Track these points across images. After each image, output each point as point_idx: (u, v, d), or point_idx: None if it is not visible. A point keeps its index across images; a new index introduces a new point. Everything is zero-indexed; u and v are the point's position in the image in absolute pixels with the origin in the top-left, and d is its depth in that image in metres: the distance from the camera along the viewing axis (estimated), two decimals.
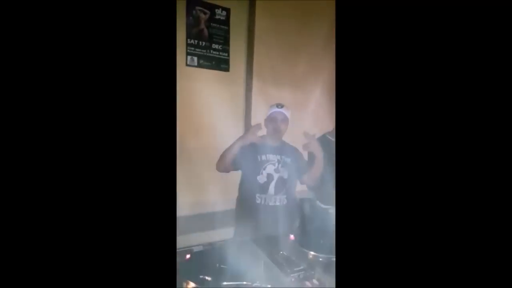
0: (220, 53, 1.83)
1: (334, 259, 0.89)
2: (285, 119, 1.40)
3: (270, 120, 1.39)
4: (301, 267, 0.82)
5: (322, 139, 1.55)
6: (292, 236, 1.06)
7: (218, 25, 1.82)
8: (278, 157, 1.41)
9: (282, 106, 1.40)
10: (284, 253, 0.91)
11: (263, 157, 1.39)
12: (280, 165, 1.40)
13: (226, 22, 1.84)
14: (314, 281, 0.79)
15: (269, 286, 0.70)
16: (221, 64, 1.84)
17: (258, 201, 1.38)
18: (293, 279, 0.77)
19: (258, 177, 1.37)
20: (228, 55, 1.84)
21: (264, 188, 1.37)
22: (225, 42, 1.84)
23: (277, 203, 1.38)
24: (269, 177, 1.38)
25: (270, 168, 1.39)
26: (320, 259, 0.90)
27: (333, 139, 1.54)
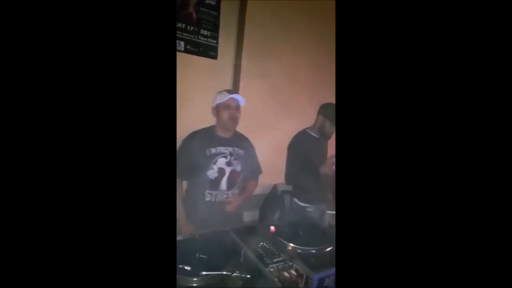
0: (209, 40, 1.77)
1: (313, 251, 0.92)
2: (239, 106, 1.28)
3: (224, 107, 1.26)
4: (280, 258, 0.83)
5: (303, 134, 1.56)
6: (272, 228, 1.07)
7: (207, 10, 1.75)
8: (230, 149, 1.29)
9: (233, 92, 1.28)
10: (264, 244, 0.92)
11: (213, 151, 1.26)
12: (232, 157, 1.29)
13: (216, 7, 1.78)
14: (292, 271, 0.81)
15: (248, 276, 0.71)
16: (209, 51, 1.78)
17: (208, 199, 1.26)
18: (271, 270, 0.79)
19: (208, 173, 1.24)
20: (217, 42, 1.79)
21: (215, 184, 1.26)
22: (214, 28, 1.78)
23: (230, 198, 1.29)
24: (221, 171, 1.26)
25: (221, 162, 1.27)
26: (299, 251, 0.92)
27: (314, 134, 1.56)
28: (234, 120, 1.27)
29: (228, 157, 1.28)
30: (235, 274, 0.71)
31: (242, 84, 1.77)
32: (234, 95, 1.26)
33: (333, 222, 1.42)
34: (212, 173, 1.25)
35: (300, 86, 2.01)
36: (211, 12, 1.77)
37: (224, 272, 0.71)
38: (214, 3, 1.77)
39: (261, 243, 0.93)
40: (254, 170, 1.42)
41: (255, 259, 0.82)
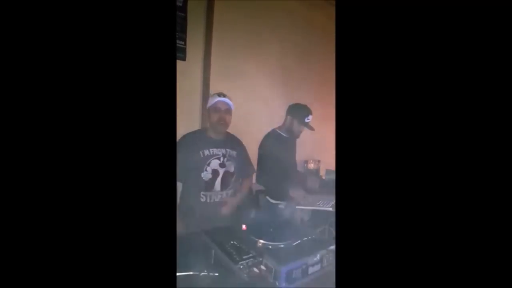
0: (177, 41, 1.75)
1: (281, 245, 0.95)
2: (229, 110, 1.32)
3: (214, 110, 1.29)
4: (250, 255, 0.85)
5: (273, 133, 1.60)
6: (244, 226, 1.08)
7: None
8: (223, 150, 1.32)
9: (224, 95, 1.31)
10: (235, 242, 0.93)
11: (206, 152, 1.29)
12: (225, 159, 1.32)
13: (183, 9, 1.76)
14: (262, 267, 0.83)
15: (217, 274, 0.72)
16: (178, 53, 1.76)
17: (203, 200, 1.28)
18: (241, 266, 0.80)
19: (202, 174, 1.26)
20: (185, 44, 1.77)
21: (209, 185, 1.28)
22: (182, 30, 1.76)
23: (225, 199, 1.32)
24: (214, 173, 1.29)
25: (214, 163, 1.29)
26: (270, 247, 0.95)
27: (283, 134, 1.61)
28: (224, 123, 1.30)
29: (221, 159, 1.31)
30: (203, 273, 0.71)
31: (212, 85, 1.77)
32: (222, 99, 1.28)
33: (306, 217, 1.47)
34: (205, 175, 1.27)
35: (270, 86, 2.05)
36: (178, 13, 1.75)
37: (192, 272, 0.71)
38: (181, 4, 1.75)
39: (232, 242, 0.94)
40: (247, 170, 1.45)
41: (225, 258, 0.83)
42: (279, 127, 1.62)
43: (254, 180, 1.60)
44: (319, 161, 2.45)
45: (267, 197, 1.55)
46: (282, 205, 1.49)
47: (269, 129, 1.64)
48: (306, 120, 1.53)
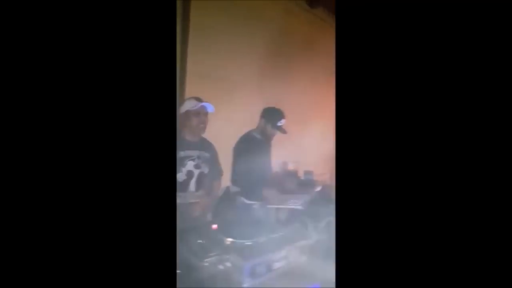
0: None
1: (248, 243, 0.98)
2: (207, 113, 1.36)
3: (194, 114, 1.33)
4: (214, 253, 0.87)
5: (248, 136, 1.64)
6: (215, 226, 1.11)
7: None
8: (198, 152, 1.37)
9: (201, 100, 1.36)
10: (201, 241, 0.95)
11: (182, 154, 1.32)
12: (200, 160, 1.36)
13: None
14: (227, 263, 0.86)
15: (179, 271, 0.74)
16: None
17: (178, 201, 1.24)
18: (206, 264, 0.82)
19: (178, 175, 1.30)
20: None
21: (183, 186, 1.32)
22: None
23: (198, 200, 1.34)
24: (189, 174, 1.33)
25: (190, 165, 1.33)
26: (237, 245, 0.97)
27: (258, 136, 1.65)
28: (204, 126, 1.35)
29: (196, 160, 1.34)
30: None
31: (188, 89, 1.79)
32: (205, 103, 1.33)
33: (282, 216, 1.51)
34: (180, 176, 1.30)
35: (247, 89, 2.09)
36: None
37: None
38: None
39: (198, 241, 0.96)
40: (217, 173, 1.50)
41: (190, 256, 0.85)
42: (254, 130, 1.66)
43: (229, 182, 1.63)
44: (297, 162, 2.51)
45: (242, 198, 1.58)
46: (256, 205, 1.52)
47: (245, 132, 1.67)
48: (279, 124, 1.58)
